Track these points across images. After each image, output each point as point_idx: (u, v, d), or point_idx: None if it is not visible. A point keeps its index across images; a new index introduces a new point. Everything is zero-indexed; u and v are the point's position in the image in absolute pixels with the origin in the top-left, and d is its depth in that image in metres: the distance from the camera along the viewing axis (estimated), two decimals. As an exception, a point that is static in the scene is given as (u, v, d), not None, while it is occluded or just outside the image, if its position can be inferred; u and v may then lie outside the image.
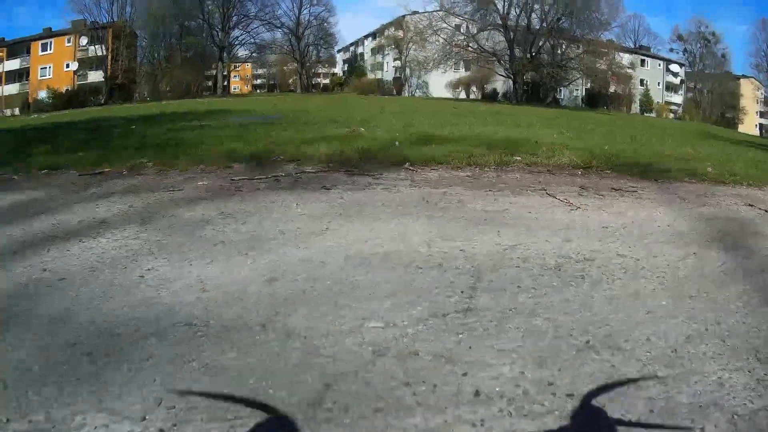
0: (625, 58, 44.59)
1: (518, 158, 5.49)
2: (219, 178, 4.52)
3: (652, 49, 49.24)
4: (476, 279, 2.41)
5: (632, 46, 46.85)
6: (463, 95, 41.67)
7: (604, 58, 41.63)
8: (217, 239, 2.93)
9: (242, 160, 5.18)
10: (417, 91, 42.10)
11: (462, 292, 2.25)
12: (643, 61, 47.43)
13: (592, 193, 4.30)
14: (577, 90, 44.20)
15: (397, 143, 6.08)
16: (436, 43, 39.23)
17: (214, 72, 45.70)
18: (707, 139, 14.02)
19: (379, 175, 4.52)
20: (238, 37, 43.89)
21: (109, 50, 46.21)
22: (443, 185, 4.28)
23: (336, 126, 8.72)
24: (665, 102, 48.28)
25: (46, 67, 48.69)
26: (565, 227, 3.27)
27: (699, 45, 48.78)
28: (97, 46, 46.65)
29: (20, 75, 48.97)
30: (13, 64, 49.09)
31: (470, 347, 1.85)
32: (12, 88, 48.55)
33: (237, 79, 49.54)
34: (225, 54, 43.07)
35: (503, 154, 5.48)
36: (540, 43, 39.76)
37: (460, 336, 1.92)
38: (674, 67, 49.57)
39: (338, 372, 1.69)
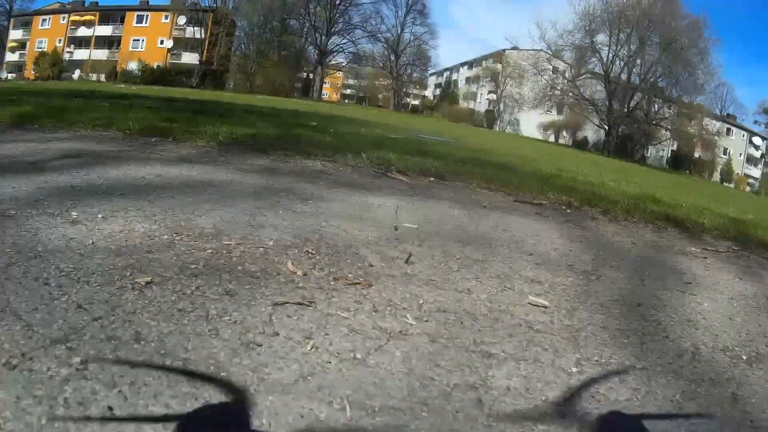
0: (714, 125, 44.25)
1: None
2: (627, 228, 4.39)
3: (737, 119, 48.86)
4: None
5: (719, 113, 46.44)
6: (552, 138, 41.86)
7: (694, 122, 41.44)
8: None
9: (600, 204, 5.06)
10: (508, 127, 42.32)
11: None
12: (728, 129, 46.98)
13: None
14: (663, 150, 44.03)
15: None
16: (536, 83, 39.62)
17: (305, 74, 46.07)
18: None
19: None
20: (338, 44, 44.30)
21: (208, 34, 45.51)
22: None
23: (536, 164, 8.57)
24: (744, 174, 47.72)
25: (139, 40, 47.94)
26: None
27: (782, 120, 48.32)
28: (195, 28, 45.84)
29: (110, 42, 48.38)
30: (105, 30, 48.65)
31: None
32: (100, 54, 48.12)
33: (327, 85, 50.07)
34: (324, 58, 43.36)
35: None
36: (637, 99, 39.84)
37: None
38: (756, 140, 49.04)
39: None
